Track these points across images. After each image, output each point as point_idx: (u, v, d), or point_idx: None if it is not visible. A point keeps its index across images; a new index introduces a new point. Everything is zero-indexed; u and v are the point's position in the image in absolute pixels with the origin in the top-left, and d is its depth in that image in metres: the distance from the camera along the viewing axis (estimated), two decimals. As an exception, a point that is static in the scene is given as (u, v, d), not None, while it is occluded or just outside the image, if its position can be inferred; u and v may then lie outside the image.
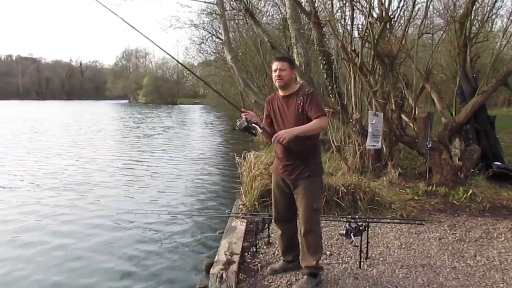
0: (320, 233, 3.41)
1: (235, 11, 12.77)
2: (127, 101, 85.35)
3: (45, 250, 5.29)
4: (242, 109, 3.30)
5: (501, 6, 8.59)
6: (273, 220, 3.65)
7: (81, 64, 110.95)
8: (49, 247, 5.37)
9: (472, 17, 8.02)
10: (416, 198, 6.04)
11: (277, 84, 3.31)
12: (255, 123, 3.22)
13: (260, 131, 3.27)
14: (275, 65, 3.32)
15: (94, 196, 7.97)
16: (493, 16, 9.24)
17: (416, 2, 7.42)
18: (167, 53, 3.94)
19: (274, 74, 3.31)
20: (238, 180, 6.84)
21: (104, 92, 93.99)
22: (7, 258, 5.01)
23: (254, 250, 4.23)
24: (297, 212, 3.42)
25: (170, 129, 25.05)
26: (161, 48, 3.59)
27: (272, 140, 3.13)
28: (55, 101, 78.92)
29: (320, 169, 3.38)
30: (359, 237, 3.73)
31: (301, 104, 3.20)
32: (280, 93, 3.36)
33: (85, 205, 7.30)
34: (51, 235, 5.84)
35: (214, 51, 22.09)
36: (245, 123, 3.19)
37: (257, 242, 4.33)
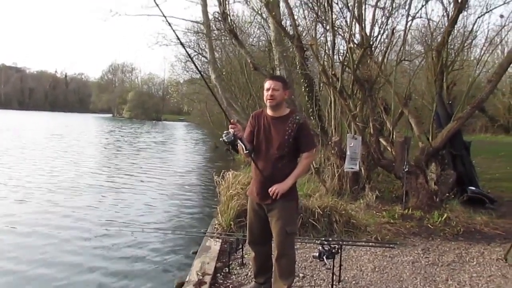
0: (293, 257, 3.34)
1: (220, 31, 12.91)
2: (110, 115, 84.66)
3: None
4: (231, 120, 3.17)
5: (475, 37, 8.88)
6: (247, 242, 3.58)
7: (66, 76, 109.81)
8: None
9: (449, 46, 8.27)
10: (392, 221, 6.09)
11: (268, 104, 3.19)
12: (240, 139, 3.11)
13: (245, 151, 3.16)
14: (268, 83, 3.20)
15: (67, 210, 7.84)
16: (468, 46, 9.53)
17: (395, 30, 7.64)
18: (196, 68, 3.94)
19: (266, 93, 3.19)
20: (216, 199, 6.82)
21: (88, 105, 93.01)
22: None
23: (227, 270, 4.19)
24: (272, 235, 3.35)
25: (153, 145, 24.88)
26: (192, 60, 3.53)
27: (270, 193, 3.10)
28: (38, 112, 77.72)
29: (295, 193, 3.32)
30: (332, 259, 3.74)
31: (291, 132, 3.12)
32: (269, 112, 3.24)
33: (58, 220, 7.16)
34: (18, 246, 5.74)
35: (200, 69, 22.18)
36: (232, 137, 3.06)
37: (230, 262, 4.30)
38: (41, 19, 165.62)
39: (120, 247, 5.86)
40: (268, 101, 3.18)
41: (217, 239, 5.02)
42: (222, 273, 4.16)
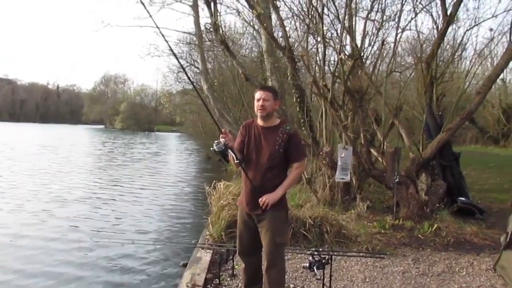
0: (283, 268, 3.31)
1: (212, 42, 12.99)
2: (103, 126, 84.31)
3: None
4: (223, 129, 3.17)
5: (464, 49, 9.03)
6: (237, 253, 3.55)
7: (58, 87, 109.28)
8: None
9: (438, 58, 8.40)
10: (382, 231, 6.10)
11: (259, 114, 3.19)
12: (231, 149, 3.10)
13: (236, 160, 3.14)
14: (258, 94, 3.19)
15: (57, 221, 7.79)
16: (457, 58, 9.69)
17: (385, 42, 7.75)
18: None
19: (256, 104, 3.18)
20: (207, 210, 6.79)
21: (80, 116, 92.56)
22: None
23: (218, 282, 4.16)
24: (262, 246, 3.32)
25: (145, 156, 24.78)
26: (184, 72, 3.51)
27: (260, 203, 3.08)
28: (29, 124, 77.17)
29: (285, 203, 3.30)
30: (323, 270, 3.73)
31: (281, 142, 3.12)
32: (260, 122, 3.24)
33: (47, 231, 7.10)
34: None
35: (193, 80, 22.22)
36: (223, 147, 3.06)
37: (221, 274, 4.27)
38: (33, 30, 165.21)
39: (110, 259, 5.80)
40: (258, 111, 3.18)
41: (208, 250, 5.00)
42: (212, 285, 4.13)
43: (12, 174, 13.95)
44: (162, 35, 3.49)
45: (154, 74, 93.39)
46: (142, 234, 7.22)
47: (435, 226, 6.21)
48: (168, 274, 5.34)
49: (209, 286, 4.09)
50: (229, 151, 3.09)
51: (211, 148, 3.15)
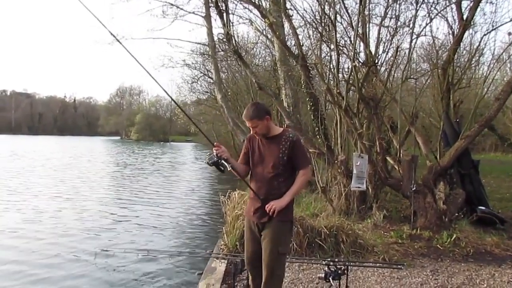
0: (282, 278, 3.26)
1: (225, 52, 13.06)
2: (119, 137, 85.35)
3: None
4: (215, 143, 3.24)
5: (482, 54, 8.86)
6: (245, 264, 3.49)
7: (75, 100, 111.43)
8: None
9: (455, 64, 8.26)
10: (400, 241, 5.97)
11: (258, 136, 3.28)
12: (225, 160, 3.17)
13: (229, 168, 3.20)
14: (248, 124, 3.27)
15: (73, 232, 7.83)
16: (475, 64, 9.52)
17: (400, 48, 7.66)
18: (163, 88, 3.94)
19: (252, 131, 3.29)
20: (222, 220, 6.75)
21: (97, 128, 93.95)
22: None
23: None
24: None
25: (160, 166, 24.92)
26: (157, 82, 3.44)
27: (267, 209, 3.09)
28: (47, 136, 78.60)
29: (290, 213, 3.28)
30: (338, 280, 3.64)
31: (285, 150, 3.15)
32: None
33: (63, 242, 7.14)
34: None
35: (206, 90, 22.41)
36: (215, 158, 3.15)
37: (235, 284, 4.22)
38: (50, 45, 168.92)
39: (125, 269, 5.79)
40: (256, 135, 3.27)
41: (223, 260, 4.94)
42: (227, 294, 4.07)
43: (31, 186, 14.12)
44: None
45: (168, 85, 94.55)
46: (157, 244, 7.21)
47: (454, 236, 6.04)
48: (184, 284, 5.29)
49: (223, 296, 4.03)
50: (223, 161, 3.16)
51: (204, 161, 3.21)
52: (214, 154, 3.16)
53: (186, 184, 16.64)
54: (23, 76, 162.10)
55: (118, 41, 3.26)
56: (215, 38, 11.94)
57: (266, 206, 3.09)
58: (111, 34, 3.27)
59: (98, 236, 7.71)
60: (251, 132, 3.28)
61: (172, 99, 3.89)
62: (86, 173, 19.32)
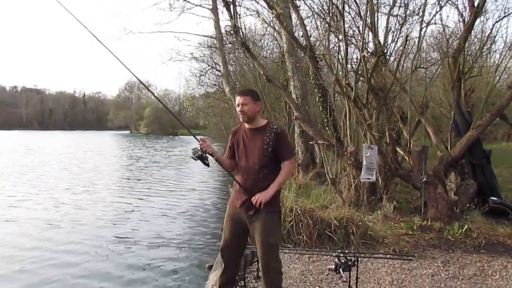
0: (279, 269, 3.27)
1: (233, 44, 13.02)
2: (128, 131, 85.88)
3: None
4: (200, 138, 3.29)
5: (494, 42, 8.69)
6: (220, 249, 3.48)
7: (84, 95, 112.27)
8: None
9: (466, 52, 8.13)
10: (410, 232, 5.92)
11: (240, 118, 3.26)
12: (209, 154, 3.21)
13: (213, 162, 3.26)
14: (237, 99, 3.26)
15: (85, 223, 7.96)
16: (486, 52, 9.34)
17: (409, 37, 7.54)
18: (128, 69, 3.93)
19: (237, 109, 3.26)
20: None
21: (106, 122, 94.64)
22: None
23: (243, 284, 4.10)
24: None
25: (170, 159, 25.04)
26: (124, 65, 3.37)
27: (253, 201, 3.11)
28: (58, 131, 79.40)
29: (278, 204, 3.29)
30: (349, 272, 3.63)
31: (269, 141, 3.15)
32: (247, 125, 3.28)
33: (75, 235, 7.20)
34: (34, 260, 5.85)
35: (215, 83, 22.41)
36: (199, 152, 3.19)
37: (246, 275, 4.22)
38: (59, 41, 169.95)
39: (135, 262, 5.83)
40: (240, 116, 3.24)
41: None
42: (237, 286, 4.07)
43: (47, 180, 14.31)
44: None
45: (177, 78, 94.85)
46: (168, 235, 7.25)
47: (466, 227, 5.97)
48: (194, 277, 5.32)
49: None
50: (206, 155, 3.21)
51: (189, 156, 3.29)
52: (199, 148, 3.19)
53: (198, 176, 16.69)
54: (33, 72, 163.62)
55: (100, 41, 3.30)
56: (223, 31, 11.94)
57: (252, 199, 3.10)
58: (92, 34, 3.35)
59: (109, 227, 7.82)
60: (238, 111, 3.26)
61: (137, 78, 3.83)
62: (101, 166, 19.74)
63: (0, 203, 9.94)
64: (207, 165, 3.27)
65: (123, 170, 18.91)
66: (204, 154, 3.19)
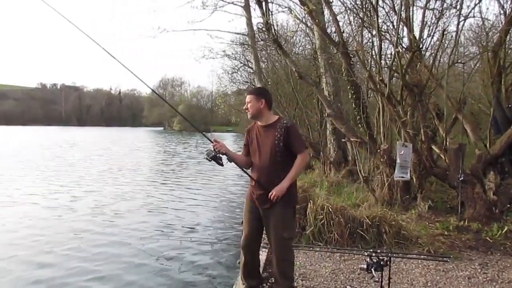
0: (292, 262, 3.43)
1: (265, 41, 13.02)
2: (162, 128, 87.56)
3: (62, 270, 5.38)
4: (213, 139, 3.37)
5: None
6: (241, 247, 3.63)
7: (120, 92, 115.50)
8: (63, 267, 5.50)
9: (507, 46, 7.81)
10: (446, 233, 5.75)
11: (248, 116, 3.42)
12: (223, 154, 3.29)
13: (226, 162, 3.34)
14: (246, 98, 3.44)
15: (120, 220, 8.15)
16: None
17: (446, 32, 7.32)
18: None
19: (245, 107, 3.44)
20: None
21: (141, 119, 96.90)
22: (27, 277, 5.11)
23: (273, 281, 4.12)
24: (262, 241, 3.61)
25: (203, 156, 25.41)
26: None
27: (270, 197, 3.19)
28: (95, 127, 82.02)
29: (294, 199, 3.36)
30: (381, 272, 3.57)
31: (280, 136, 3.22)
32: (259, 123, 3.41)
33: (109, 230, 7.40)
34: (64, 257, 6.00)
35: (247, 80, 22.48)
36: (212, 153, 3.28)
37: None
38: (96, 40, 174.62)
39: (167, 258, 5.91)
40: (246, 114, 3.44)
41: (264, 249, 4.96)
42: (268, 283, 4.09)
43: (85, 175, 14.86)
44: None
45: (209, 76, 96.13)
46: (198, 234, 7.34)
47: (506, 228, 5.74)
48: (225, 273, 5.36)
49: (265, 284, 4.05)
50: (219, 155, 3.31)
51: (203, 157, 3.42)
52: (212, 149, 3.30)
53: (227, 173, 16.82)
54: (72, 70, 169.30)
55: (99, 45, 3.49)
56: (255, 28, 11.97)
57: (269, 194, 3.18)
58: (89, 37, 3.69)
59: (140, 223, 7.96)
60: (245, 109, 3.42)
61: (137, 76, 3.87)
62: (141, 160, 20.71)
63: (54, 193, 10.74)
64: (221, 165, 3.36)
65: (164, 165, 19.60)
66: (217, 155, 3.28)
